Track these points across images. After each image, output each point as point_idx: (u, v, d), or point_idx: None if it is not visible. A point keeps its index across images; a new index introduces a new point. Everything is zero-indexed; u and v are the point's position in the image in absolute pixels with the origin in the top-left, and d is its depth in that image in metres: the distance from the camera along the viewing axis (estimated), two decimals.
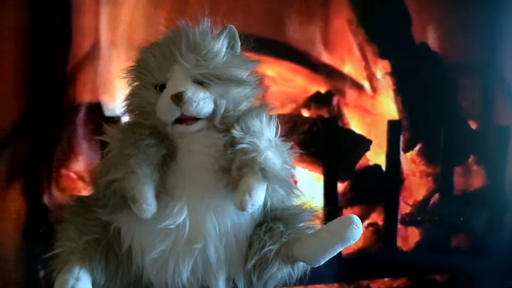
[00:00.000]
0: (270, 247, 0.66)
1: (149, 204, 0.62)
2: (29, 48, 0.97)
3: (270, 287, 0.69)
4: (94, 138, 0.97)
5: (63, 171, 0.99)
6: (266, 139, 0.67)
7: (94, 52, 0.99)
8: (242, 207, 0.62)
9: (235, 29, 0.72)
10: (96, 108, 1.00)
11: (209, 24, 0.71)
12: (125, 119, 0.75)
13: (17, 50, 0.97)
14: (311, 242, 0.65)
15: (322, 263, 0.65)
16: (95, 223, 0.68)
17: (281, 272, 0.68)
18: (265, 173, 0.63)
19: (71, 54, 0.99)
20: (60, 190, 0.98)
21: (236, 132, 0.66)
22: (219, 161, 0.66)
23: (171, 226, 0.64)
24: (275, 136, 0.70)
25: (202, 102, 0.67)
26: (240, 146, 0.65)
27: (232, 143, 0.66)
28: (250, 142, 0.65)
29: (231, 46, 0.71)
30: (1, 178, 0.96)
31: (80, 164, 0.99)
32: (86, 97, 1.00)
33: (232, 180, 0.64)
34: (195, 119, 0.68)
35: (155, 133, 0.67)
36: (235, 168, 0.64)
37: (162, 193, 0.65)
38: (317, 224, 0.70)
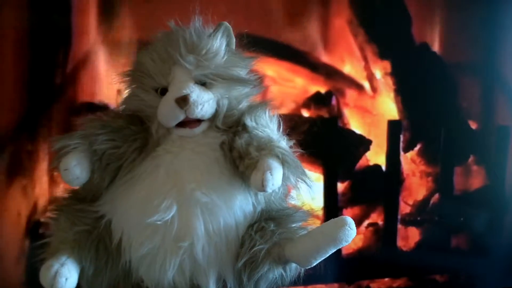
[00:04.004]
0: (260, 246, 0.65)
1: (65, 168, 0.64)
2: (29, 48, 0.97)
3: None
4: None
5: None
6: (275, 133, 0.69)
7: (94, 52, 0.99)
8: (262, 186, 0.61)
9: (229, 25, 0.72)
10: (96, 108, 1.00)
11: (201, 22, 0.70)
12: None
13: (17, 50, 0.97)
14: (303, 242, 0.65)
15: (314, 264, 0.65)
16: (86, 214, 0.68)
17: (273, 272, 0.67)
18: (284, 157, 0.64)
19: (71, 54, 0.99)
20: (60, 190, 0.98)
21: (249, 122, 0.67)
22: (232, 149, 0.66)
23: (159, 222, 0.64)
24: (278, 132, 0.70)
25: (207, 104, 0.67)
26: (256, 132, 0.66)
27: (245, 130, 0.66)
28: (264, 131, 0.67)
29: (227, 43, 0.71)
30: (1, 178, 0.96)
31: None
32: (86, 97, 1.00)
33: (249, 162, 0.64)
34: (199, 121, 0.68)
35: (134, 123, 0.69)
36: (254, 149, 0.64)
37: (152, 189, 0.65)
38: (311, 225, 0.70)
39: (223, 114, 0.68)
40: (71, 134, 0.68)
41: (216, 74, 0.68)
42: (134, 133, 0.68)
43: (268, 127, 0.68)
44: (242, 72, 0.71)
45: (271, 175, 0.61)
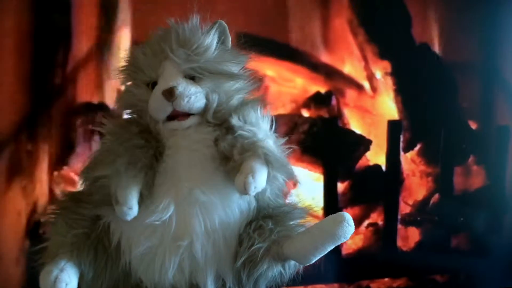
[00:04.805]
0: (259, 245, 0.65)
1: (130, 207, 0.62)
2: (29, 48, 0.97)
3: (261, 286, 0.68)
4: (94, 137, 0.97)
5: (63, 171, 0.99)
6: (263, 130, 0.67)
7: (94, 52, 1.00)
8: (245, 190, 0.61)
9: (225, 24, 0.72)
10: (96, 108, 1.00)
11: (198, 20, 0.70)
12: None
13: (18, 50, 0.97)
14: (301, 240, 0.64)
15: (313, 261, 0.64)
16: (84, 217, 0.68)
17: (272, 271, 0.67)
18: (268, 157, 0.63)
19: (71, 54, 0.99)
20: (60, 190, 0.98)
21: (235, 121, 0.66)
22: (218, 149, 0.66)
23: (157, 222, 0.64)
24: (270, 129, 0.69)
25: (194, 97, 0.66)
26: (240, 132, 0.65)
27: (231, 130, 0.66)
28: (249, 130, 0.66)
29: (221, 41, 0.71)
30: (1, 178, 0.97)
31: (80, 164, 0.99)
32: (86, 97, 1.00)
33: (234, 165, 0.64)
34: (187, 114, 0.67)
35: (145, 133, 0.67)
36: (237, 152, 0.64)
37: (150, 189, 0.65)
38: (309, 222, 0.69)
39: (213, 108, 0.68)
40: (132, 160, 0.64)
41: (204, 69, 0.68)
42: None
43: (256, 125, 0.67)
44: (234, 68, 0.71)
45: (252, 178, 0.61)
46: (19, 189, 0.97)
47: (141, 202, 0.64)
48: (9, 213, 0.97)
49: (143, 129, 0.68)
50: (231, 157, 0.64)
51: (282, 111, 1.10)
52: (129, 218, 0.63)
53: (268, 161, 0.63)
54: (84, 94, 1.00)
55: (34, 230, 0.97)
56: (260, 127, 0.67)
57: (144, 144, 0.66)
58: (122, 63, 0.73)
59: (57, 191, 0.98)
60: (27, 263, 0.97)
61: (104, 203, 0.65)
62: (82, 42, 0.99)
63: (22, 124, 0.97)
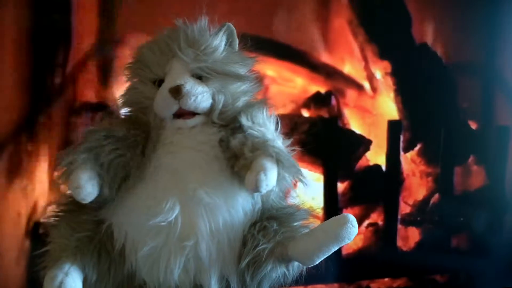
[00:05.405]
0: (263, 246, 0.65)
1: (76, 186, 0.62)
2: (29, 48, 0.97)
3: (264, 287, 0.68)
4: None
5: None
6: (271, 131, 0.68)
7: (94, 52, 1.00)
8: (256, 187, 0.61)
9: (233, 27, 0.72)
10: (96, 108, 1.00)
11: (206, 22, 0.71)
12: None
13: (18, 50, 0.97)
14: (305, 241, 0.65)
15: (317, 262, 0.64)
16: (87, 220, 0.68)
17: (276, 271, 0.67)
18: (279, 157, 0.64)
19: (71, 54, 0.99)
20: (60, 190, 0.98)
21: (245, 120, 0.67)
22: (224, 149, 0.66)
23: (163, 223, 0.63)
24: (276, 131, 0.70)
25: (201, 96, 0.67)
26: (250, 131, 0.65)
27: (240, 130, 0.66)
28: (259, 130, 0.66)
29: (229, 43, 0.72)
30: (1, 179, 0.96)
31: None
32: (86, 97, 1.00)
33: (244, 163, 0.63)
34: (193, 114, 0.68)
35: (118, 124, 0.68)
36: (248, 150, 0.64)
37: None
38: (313, 223, 0.70)
39: (219, 109, 0.68)
40: (75, 147, 0.66)
41: (212, 69, 0.69)
42: (135, 137, 0.68)
43: (264, 126, 0.68)
44: (241, 70, 0.71)
45: (264, 175, 0.61)
46: (19, 189, 0.97)
47: (147, 197, 0.64)
48: (9, 214, 0.97)
49: (118, 122, 0.69)
50: (240, 155, 0.64)
51: (282, 111, 1.10)
52: (84, 197, 0.62)
53: (279, 160, 0.64)
54: (84, 94, 1.00)
55: (34, 231, 0.97)
56: (268, 128, 0.68)
57: (96, 129, 0.66)
58: (129, 60, 0.73)
59: (57, 191, 0.97)
60: (27, 263, 0.97)
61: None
62: (82, 42, 0.99)
63: (22, 124, 0.97)
